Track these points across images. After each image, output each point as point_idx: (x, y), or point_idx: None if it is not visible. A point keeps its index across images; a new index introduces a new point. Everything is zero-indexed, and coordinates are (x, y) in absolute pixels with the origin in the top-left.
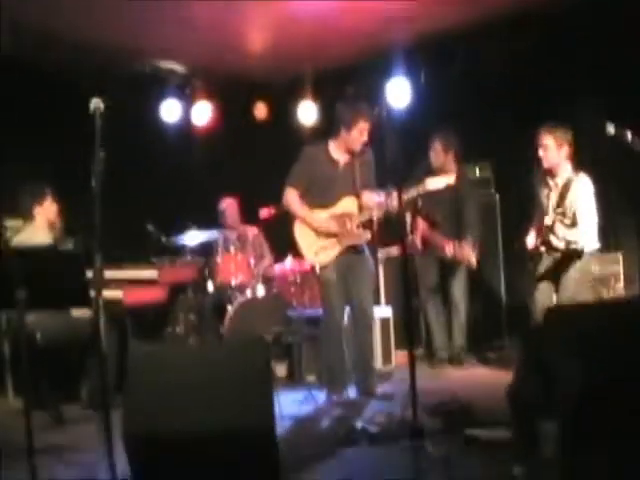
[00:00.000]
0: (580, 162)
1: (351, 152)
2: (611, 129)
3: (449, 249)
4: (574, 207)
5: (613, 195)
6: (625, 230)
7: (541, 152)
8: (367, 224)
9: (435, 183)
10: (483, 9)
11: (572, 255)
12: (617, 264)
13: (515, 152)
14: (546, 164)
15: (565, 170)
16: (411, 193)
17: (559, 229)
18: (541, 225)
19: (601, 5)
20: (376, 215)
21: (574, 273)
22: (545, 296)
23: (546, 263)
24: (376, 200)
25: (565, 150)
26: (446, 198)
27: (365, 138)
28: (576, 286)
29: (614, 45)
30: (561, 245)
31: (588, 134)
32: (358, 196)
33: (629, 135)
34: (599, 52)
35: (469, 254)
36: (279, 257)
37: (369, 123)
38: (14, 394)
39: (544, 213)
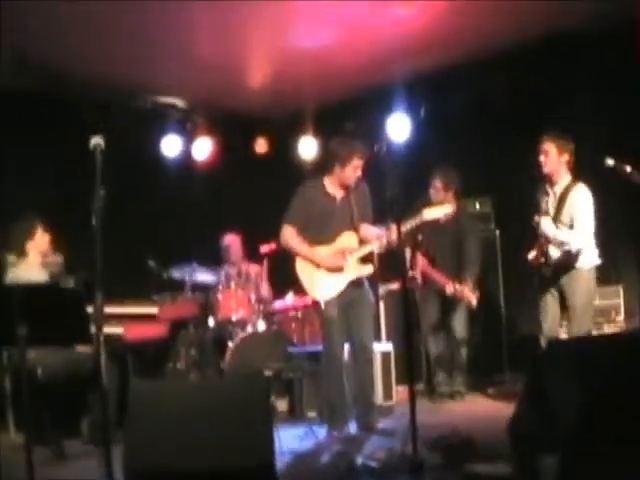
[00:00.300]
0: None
1: (346, 187)
2: (610, 161)
3: (449, 288)
4: (571, 213)
5: (613, 227)
6: (626, 263)
7: (542, 158)
8: (368, 257)
9: (432, 213)
10: (481, 43)
11: (571, 263)
12: (618, 297)
13: (515, 187)
14: (546, 169)
15: (564, 178)
16: (409, 224)
17: (554, 231)
18: (539, 235)
19: (599, 40)
20: (376, 248)
21: (580, 299)
22: (551, 312)
23: (549, 278)
24: (375, 233)
25: (565, 158)
26: (447, 232)
27: (359, 174)
28: (583, 315)
29: (615, 80)
30: (557, 252)
31: (588, 167)
32: (357, 230)
33: (628, 168)
34: (600, 86)
35: (469, 295)
36: (280, 293)
37: (363, 160)
38: (15, 429)
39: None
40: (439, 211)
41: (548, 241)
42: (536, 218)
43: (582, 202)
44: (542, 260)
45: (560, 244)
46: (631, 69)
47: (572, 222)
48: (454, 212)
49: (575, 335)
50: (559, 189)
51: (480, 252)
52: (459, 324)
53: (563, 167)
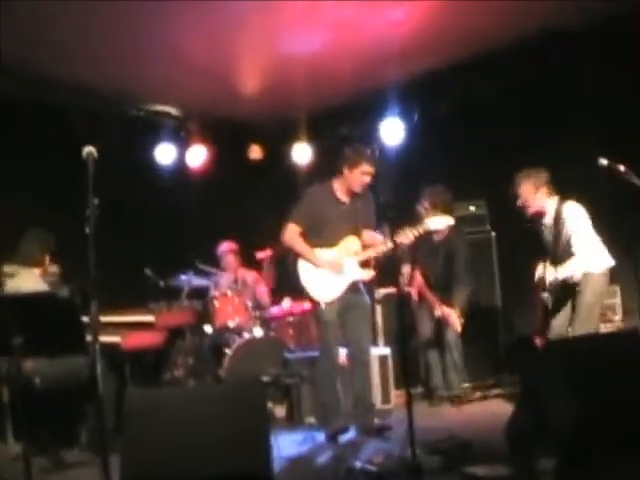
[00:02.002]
0: (573, 193)
1: (352, 193)
2: (604, 161)
3: (437, 312)
4: (568, 235)
5: (609, 228)
6: (623, 263)
7: (521, 201)
8: (369, 262)
9: (436, 223)
10: (473, 45)
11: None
12: (615, 297)
13: (510, 189)
14: (530, 211)
15: (551, 207)
16: (412, 232)
17: (557, 275)
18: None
19: (593, 37)
20: (379, 253)
21: (585, 299)
22: (560, 319)
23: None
24: (380, 239)
25: (543, 191)
26: (439, 252)
27: (367, 180)
28: (587, 316)
29: (608, 77)
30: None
31: (581, 167)
32: (359, 235)
33: (622, 167)
34: (591, 84)
35: (454, 322)
36: (276, 299)
37: (372, 166)
38: (14, 439)
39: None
40: (442, 221)
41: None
42: (537, 273)
43: (572, 221)
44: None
45: (566, 280)
46: (626, 68)
47: (570, 249)
48: (446, 233)
49: (579, 331)
50: (549, 219)
51: (469, 267)
52: (451, 335)
53: (544, 199)
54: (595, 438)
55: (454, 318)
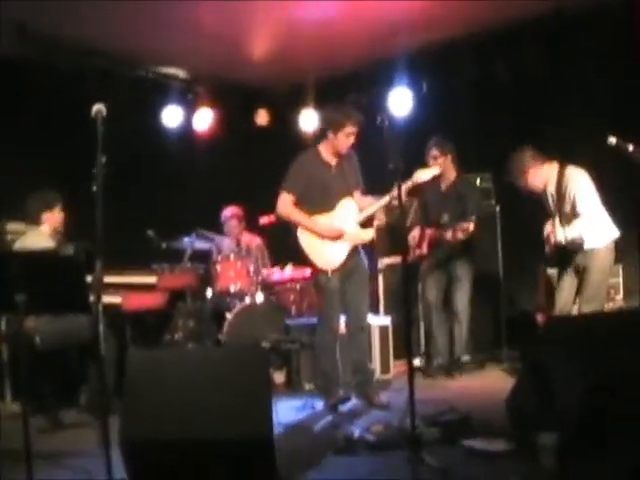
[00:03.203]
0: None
1: (338, 155)
2: (612, 140)
3: (448, 234)
4: (572, 197)
5: (613, 206)
6: (625, 241)
7: (522, 185)
8: (367, 223)
9: (423, 175)
10: (485, 19)
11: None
12: (617, 276)
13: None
14: (532, 189)
15: (552, 174)
16: (404, 187)
17: (564, 234)
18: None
19: (605, 16)
20: (377, 209)
21: (593, 276)
22: (566, 289)
23: (565, 263)
24: (368, 201)
25: (544, 169)
26: (450, 197)
27: (352, 141)
28: (596, 293)
29: (618, 55)
30: (565, 243)
31: (589, 145)
32: (352, 196)
33: (630, 146)
34: (602, 62)
35: (463, 229)
36: (279, 265)
37: (357, 127)
38: (12, 398)
39: (551, 215)
40: (429, 172)
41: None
42: (546, 230)
43: (577, 187)
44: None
45: (575, 240)
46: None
47: (574, 210)
48: (454, 178)
49: (585, 307)
50: (553, 185)
51: (480, 208)
52: (461, 302)
53: (540, 172)
54: (599, 414)
55: (460, 229)
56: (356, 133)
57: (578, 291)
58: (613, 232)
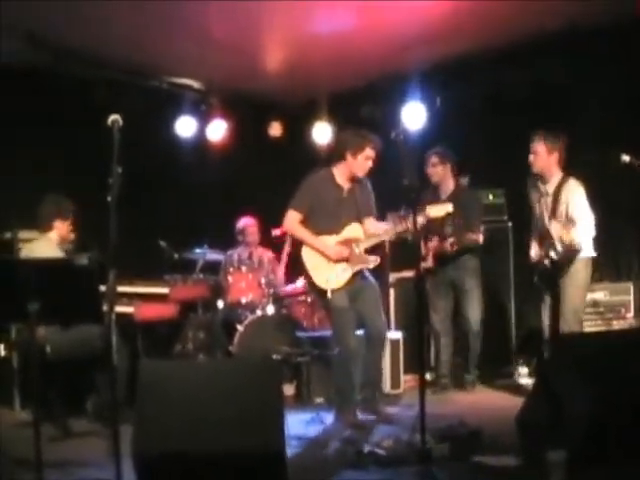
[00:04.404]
0: (590, 191)
1: (353, 179)
2: (626, 158)
3: (450, 242)
4: (568, 209)
5: (624, 225)
6: (636, 259)
7: (532, 157)
8: (373, 250)
9: (436, 211)
10: (500, 35)
11: (571, 260)
12: (628, 294)
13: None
14: (536, 168)
15: (556, 176)
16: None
17: (556, 231)
18: (541, 234)
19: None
20: (386, 238)
21: (573, 289)
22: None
23: (548, 274)
24: (382, 227)
25: (555, 156)
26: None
27: (370, 165)
28: (570, 305)
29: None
30: (560, 248)
31: (600, 164)
32: (361, 222)
33: None
34: (617, 79)
35: (469, 237)
36: (291, 277)
37: (375, 151)
38: (21, 406)
39: (541, 220)
40: (442, 209)
41: (552, 241)
42: (545, 223)
43: (577, 198)
44: (546, 258)
45: (567, 245)
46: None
47: (568, 219)
48: (453, 188)
49: (563, 326)
50: (551, 187)
51: (482, 216)
52: (474, 315)
53: (553, 165)
54: (609, 431)
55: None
56: (374, 158)
57: (554, 307)
58: (590, 252)
